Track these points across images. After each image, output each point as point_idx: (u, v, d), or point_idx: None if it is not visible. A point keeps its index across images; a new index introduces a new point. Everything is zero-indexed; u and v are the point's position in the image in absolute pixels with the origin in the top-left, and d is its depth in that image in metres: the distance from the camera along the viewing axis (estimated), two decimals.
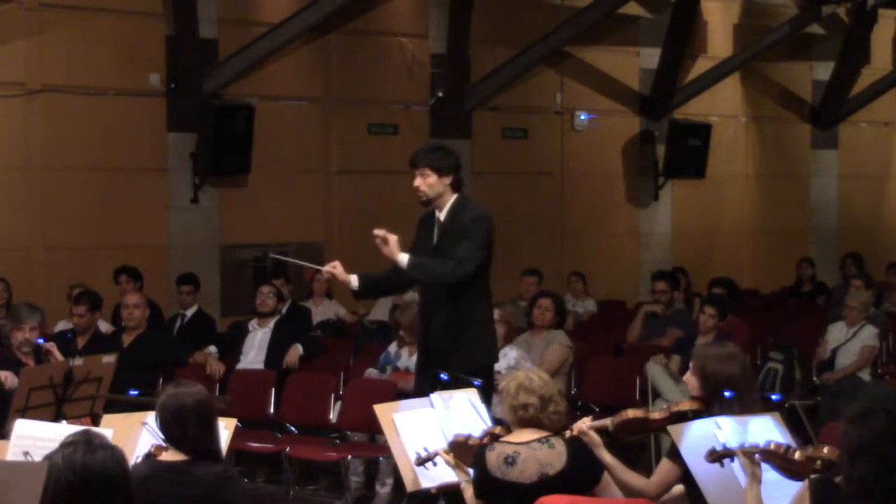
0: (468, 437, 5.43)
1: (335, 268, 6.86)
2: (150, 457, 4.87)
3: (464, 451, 5.39)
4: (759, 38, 16.99)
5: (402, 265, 6.70)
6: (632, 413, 5.31)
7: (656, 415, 5.29)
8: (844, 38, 17.84)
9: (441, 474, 5.60)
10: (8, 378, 7.55)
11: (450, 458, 5.44)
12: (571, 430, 5.27)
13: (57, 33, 12.19)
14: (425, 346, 6.92)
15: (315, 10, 13.09)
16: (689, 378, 5.32)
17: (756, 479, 4.57)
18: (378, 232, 6.71)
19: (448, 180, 6.83)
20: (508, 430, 5.27)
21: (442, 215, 6.87)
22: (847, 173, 19.03)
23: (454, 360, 6.64)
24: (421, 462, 5.55)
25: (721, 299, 10.33)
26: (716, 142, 16.75)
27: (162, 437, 4.81)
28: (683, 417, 5.17)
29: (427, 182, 6.80)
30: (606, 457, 5.21)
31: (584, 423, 5.24)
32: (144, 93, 12.69)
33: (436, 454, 5.52)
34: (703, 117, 16.74)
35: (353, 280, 6.87)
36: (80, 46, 12.32)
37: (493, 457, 5.11)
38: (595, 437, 5.21)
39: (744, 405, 5.10)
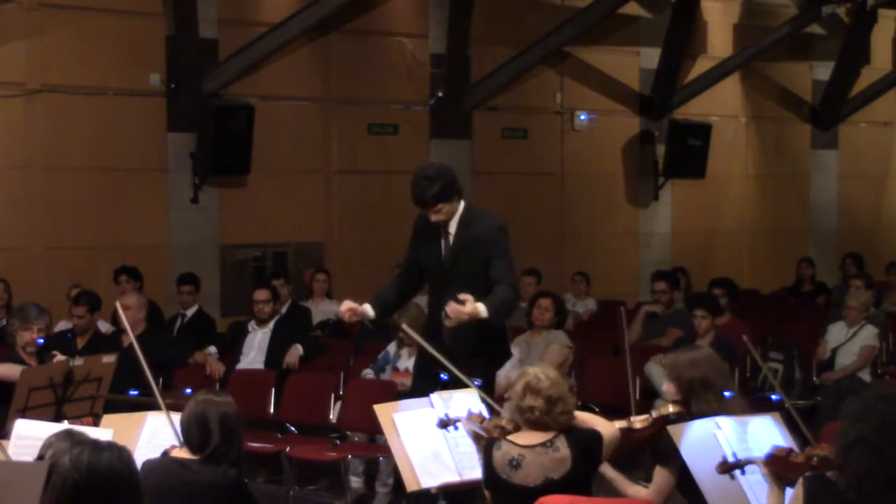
0: (479, 414, 5.47)
1: (351, 308, 6.91)
2: (165, 454, 4.94)
3: (478, 426, 5.41)
4: (759, 38, 16.99)
5: (486, 316, 6.58)
6: (616, 424, 5.32)
7: (639, 424, 5.31)
8: (844, 38, 17.84)
9: (442, 475, 5.59)
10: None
11: (469, 425, 5.44)
12: None
13: (57, 33, 12.19)
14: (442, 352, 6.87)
15: (315, 10, 13.09)
16: (668, 386, 5.40)
17: (780, 490, 4.56)
18: (452, 311, 6.56)
19: (457, 198, 6.88)
20: (517, 424, 5.25)
21: (451, 227, 6.89)
22: (847, 173, 19.03)
23: (485, 367, 6.71)
24: (444, 424, 5.55)
25: (710, 298, 10.27)
26: (716, 142, 16.75)
27: (180, 438, 4.85)
28: (667, 422, 5.20)
29: (444, 212, 6.83)
30: (607, 470, 5.26)
31: None
32: (144, 93, 12.69)
33: (458, 420, 5.52)
34: (703, 117, 16.74)
35: (369, 311, 6.96)
36: (80, 46, 12.33)
37: (500, 456, 5.12)
38: None
39: (721, 401, 5.17)
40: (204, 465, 4.76)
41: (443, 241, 6.91)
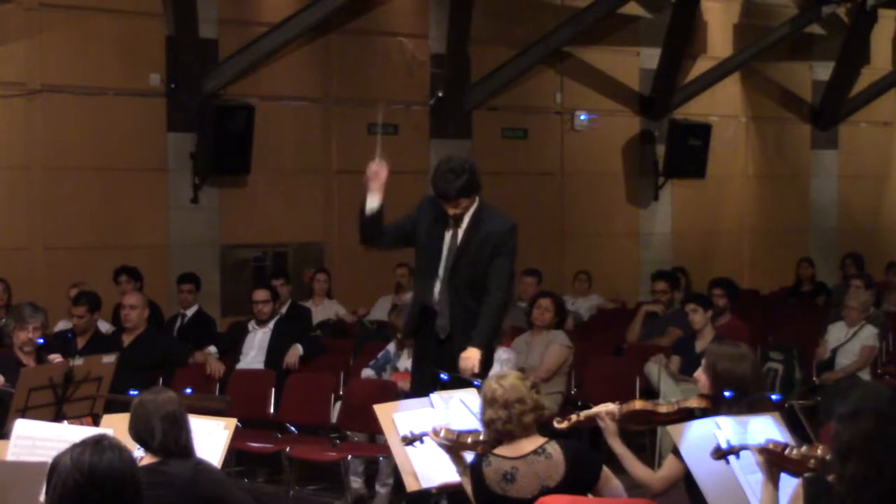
0: (447, 427, 5.39)
1: (381, 169, 6.83)
2: None
3: (452, 443, 5.37)
4: (759, 38, 16.99)
5: (481, 355, 6.70)
6: (639, 405, 5.30)
7: (664, 409, 5.28)
8: (844, 38, 17.84)
9: (442, 475, 5.59)
10: None
11: (438, 440, 5.38)
12: (579, 415, 5.27)
13: (57, 33, 12.19)
14: (438, 349, 6.89)
15: (315, 10, 13.10)
16: (700, 375, 5.32)
17: (772, 478, 4.55)
18: (463, 370, 6.66)
19: (476, 195, 6.88)
20: (496, 439, 5.19)
21: (464, 220, 6.87)
22: (847, 173, 19.03)
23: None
24: (409, 441, 5.53)
25: (703, 295, 10.27)
26: (716, 142, 16.75)
27: (137, 445, 4.88)
28: (690, 415, 5.16)
29: (462, 206, 6.83)
30: (618, 446, 5.23)
31: (601, 409, 5.28)
32: (144, 93, 12.69)
33: (424, 434, 5.47)
34: (703, 117, 16.75)
35: (377, 202, 6.85)
36: (80, 46, 12.33)
37: (491, 472, 5.05)
38: (611, 424, 5.23)
39: (751, 405, 5.08)
40: (170, 463, 4.80)
41: (450, 232, 6.88)
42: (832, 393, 10.06)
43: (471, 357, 6.63)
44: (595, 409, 5.34)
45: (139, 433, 4.89)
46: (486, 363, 6.97)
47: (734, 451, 4.66)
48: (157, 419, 4.83)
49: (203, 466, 4.91)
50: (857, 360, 10.29)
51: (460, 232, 6.87)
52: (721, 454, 4.67)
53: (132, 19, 12.59)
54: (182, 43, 12.66)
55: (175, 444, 4.83)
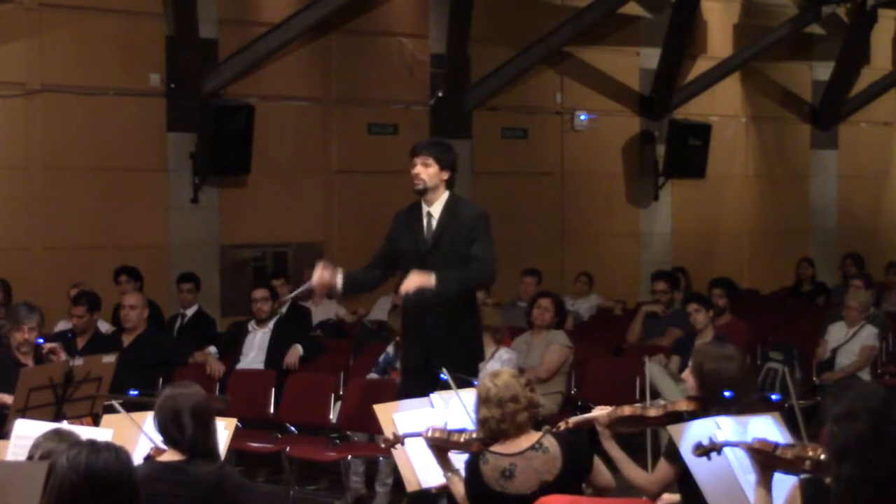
0: (441, 428, 5.40)
1: (322, 277, 6.99)
2: (149, 459, 4.90)
3: (443, 443, 5.37)
4: (759, 38, 16.99)
5: (433, 286, 6.65)
6: (628, 410, 5.30)
7: (652, 412, 5.29)
8: (844, 38, 17.84)
9: (441, 474, 5.58)
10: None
11: (433, 441, 5.37)
12: (567, 423, 5.28)
13: (57, 33, 12.20)
14: (421, 348, 6.90)
15: (315, 10, 13.10)
16: (687, 376, 5.33)
17: (765, 479, 4.54)
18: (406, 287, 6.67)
19: (446, 175, 6.94)
20: (490, 437, 5.20)
21: (435, 210, 6.93)
22: (847, 173, 19.03)
23: (455, 362, 6.66)
24: (389, 444, 5.52)
25: (703, 296, 10.28)
26: (716, 142, 16.75)
27: (161, 438, 4.83)
28: (679, 418, 5.17)
29: (428, 171, 6.90)
30: (613, 449, 5.24)
31: (589, 417, 5.27)
32: (144, 93, 12.69)
33: (406, 437, 5.48)
34: (703, 117, 16.74)
35: (339, 282, 7.05)
36: (80, 46, 12.33)
37: (489, 470, 5.05)
38: (604, 429, 5.23)
39: (741, 407, 5.07)
40: (195, 464, 4.74)
41: (425, 224, 6.95)
42: (832, 393, 10.05)
43: (422, 277, 6.63)
44: (584, 417, 5.34)
45: (167, 428, 4.78)
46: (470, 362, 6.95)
47: (716, 447, 4.63)
48: (188, 413, 4.73)
49: (227, 470, 4.85)
50: (857, 360, 10.30)
51: (434, 223, 6.94)
52: (703, 450, 4.65)
53: (132, 19, 12.60)
54: (182, 43, 12.66)
55: (203, 445, 4.75)
